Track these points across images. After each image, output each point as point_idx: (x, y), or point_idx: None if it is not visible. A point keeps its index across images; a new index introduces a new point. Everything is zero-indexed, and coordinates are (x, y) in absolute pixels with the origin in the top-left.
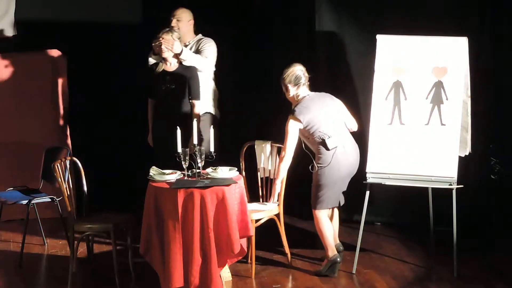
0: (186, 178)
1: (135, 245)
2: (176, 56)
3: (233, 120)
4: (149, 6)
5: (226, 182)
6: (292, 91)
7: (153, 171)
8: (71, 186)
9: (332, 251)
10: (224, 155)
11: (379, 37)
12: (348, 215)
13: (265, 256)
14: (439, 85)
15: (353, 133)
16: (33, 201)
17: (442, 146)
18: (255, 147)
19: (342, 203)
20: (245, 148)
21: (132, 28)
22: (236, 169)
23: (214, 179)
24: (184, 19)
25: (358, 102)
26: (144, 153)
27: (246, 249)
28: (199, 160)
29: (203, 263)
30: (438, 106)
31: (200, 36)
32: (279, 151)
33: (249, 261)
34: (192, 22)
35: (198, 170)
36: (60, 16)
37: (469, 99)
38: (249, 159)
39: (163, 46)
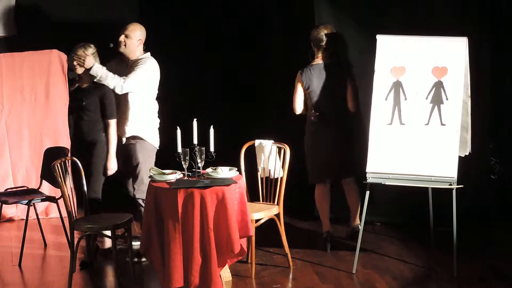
0: (186, 178)
1: (135, 245)
2: (87, 72)
3: (233, 120)
4: (146, 6)
5: (226, 182)
6: (314, 49)
7: (153, 171)
8: (71, 186)
9: (325, 227)
10: (224, 155)
11: (379, 37)
12: (348, 215)
13: (265, 256)
14: (439, 85)
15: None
16: (33, 201)
17: (442, 146)
18: (255, 147)
19: (327, 182)
20: (245, 148)
21: None
22: (236, 169)
23: (214, 179)
24: (133, 37)
25: (358, 102)
26: None
27: (246, 249)
28: (199, 160)
29: (203, 263)
30: (438, 106)
31: (145, 55)
32: (279, 151)
33: (249, 261)
34: (142, 41)
35: (198, 170)
36: (60, 16)
37: (469, 99)
38: (249, 159)
39: (75, 62)
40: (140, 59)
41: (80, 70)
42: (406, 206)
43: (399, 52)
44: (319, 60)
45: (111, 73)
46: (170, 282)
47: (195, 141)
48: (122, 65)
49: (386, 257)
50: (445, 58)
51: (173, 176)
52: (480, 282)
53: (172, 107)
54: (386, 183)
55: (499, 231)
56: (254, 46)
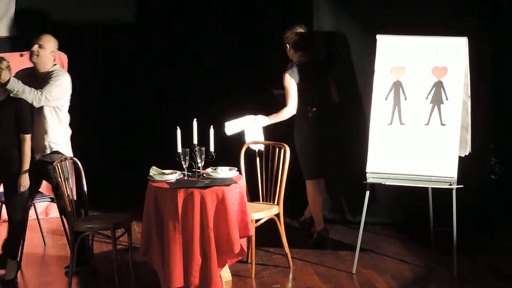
0: (186, 178)
1: (135, 245)
2: (4, 86)
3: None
4: (144, 6)
5: (226, 182)
6: (292, 50)
7: (153, 171)
8: (71, 186)
9: (318, 224)
10: (224, 155)
11: (379, 37)
12: (349, 215)
13: (265, 256)
14: (439, 85)
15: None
16: (33, 201)
17: (442, 146)
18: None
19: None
20: (245, 148)
21: (129, 28)
22: (236, 169)
23: (214, 179)
24: (47, 48)
25: (358, 102)
26: (144, 153)
27: (246, 249)
28: (199, 160)
29: (203, 263)
30: (438, 106)
31: (55, 67)
32: (279, 151)
33: (249, 261)
34: (54, 53)
35: (198, 170)
36: (60, 16)
37: (469, 99)
38: (249, 159)
39: None
40: (53, 71)
41: None
42: (406, 206)
43: (399, 52)
44: (300, 59)
45: (27, 87)
46: (170, 282)
47: (195, 141)
48: (30, 77)
49: (386, 257)
50: (445, 58)
51: (173, 176)
52: (480, 282)
53: (172, 107)
54: (386, 183)
55: (499, 231)
56: (254, 46)
